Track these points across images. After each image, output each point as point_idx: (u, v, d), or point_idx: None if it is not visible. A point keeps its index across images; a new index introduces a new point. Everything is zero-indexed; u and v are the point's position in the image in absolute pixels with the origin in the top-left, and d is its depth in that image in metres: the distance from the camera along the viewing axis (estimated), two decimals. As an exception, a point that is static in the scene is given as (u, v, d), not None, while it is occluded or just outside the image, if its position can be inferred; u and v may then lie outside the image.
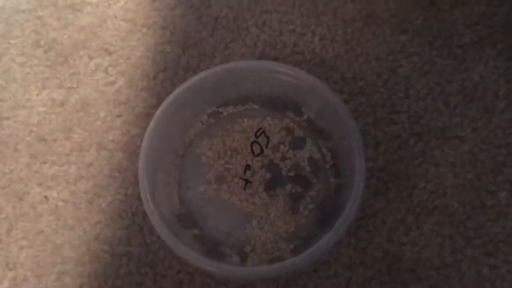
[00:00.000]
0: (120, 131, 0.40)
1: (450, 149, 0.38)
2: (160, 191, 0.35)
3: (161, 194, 0.36)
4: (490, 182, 0.37)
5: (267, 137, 0.38)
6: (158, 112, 0.36)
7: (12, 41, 0.43)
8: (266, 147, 0.38)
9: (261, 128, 0.38)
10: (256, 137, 0.38)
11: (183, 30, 0.42)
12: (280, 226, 0.36)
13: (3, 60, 0.42)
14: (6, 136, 0.40)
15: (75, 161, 0.39)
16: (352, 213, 0.32)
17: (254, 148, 0.38)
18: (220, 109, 0.39)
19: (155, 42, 0.42)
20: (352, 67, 0.40)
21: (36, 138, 0.40)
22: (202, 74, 0.37)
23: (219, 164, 0.38)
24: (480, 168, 0.38)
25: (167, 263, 0.37)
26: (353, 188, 0.33)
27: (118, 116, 0.40)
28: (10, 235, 0.38)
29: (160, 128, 0.35)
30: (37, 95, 0.41)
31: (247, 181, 0.37)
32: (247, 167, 0.37)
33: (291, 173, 0.37)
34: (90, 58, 0.42)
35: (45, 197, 0.38)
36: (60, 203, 0.38)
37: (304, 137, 0.38)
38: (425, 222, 0.37)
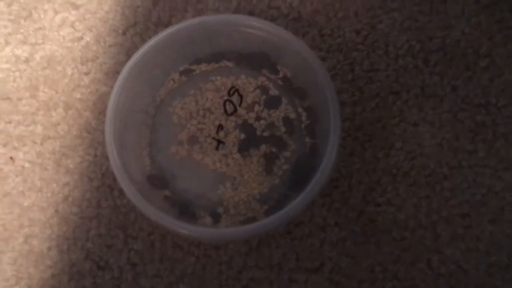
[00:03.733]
0: (88, 89, 0.39)
1: (429, 109, 0.38)
2: (130, 151, 0.35)
3: (131, 154, 0.35)
4: (468, 142, 0.38)
5: (241, 96, 0.38)
6: (125, 69, 0.35)
7: (-30, -6, 0.41)
8: (240, 106, 0.38)
9: (234, 86, 0.38)
10: (230, 95, 0.38)
11: (154, -18, 0.41)
12: (253, 187, 0.36)
13: (-39, 14, 0.41)
14: (-32, 94, 0.39)
15: (42, 121, 0.39)
16: (326, 173, 0.32)
17: (227, 107, 0.38)
18: (192, 67, 0.39)
19: (124, -5, 0.41)
20: (330, 23, 0.40)
21: (0, 97, 0.39)
22: (172, 29, 0.36)
23: (192, 124, 0.38)
24: (459, 128, 0.38)
25: (138, 225, 0.37)
26: (327, 148, 0.33)
27: (86, 73, 0.40)
28: (-26, 197, 0.38)
29: (128, 85, 0.35)
30: (0, 51, 0.40)
31: (220, 141, 0.37)
32: (220, 127, 0.37)
33: (266, 133, 0.37)
34: (56, 12, 0.41)
35: (11, 158, 0.38)
36: (27, 164, 0.38)
37: (279, 96, 0.38)
38: (401, 183, 0.37)
